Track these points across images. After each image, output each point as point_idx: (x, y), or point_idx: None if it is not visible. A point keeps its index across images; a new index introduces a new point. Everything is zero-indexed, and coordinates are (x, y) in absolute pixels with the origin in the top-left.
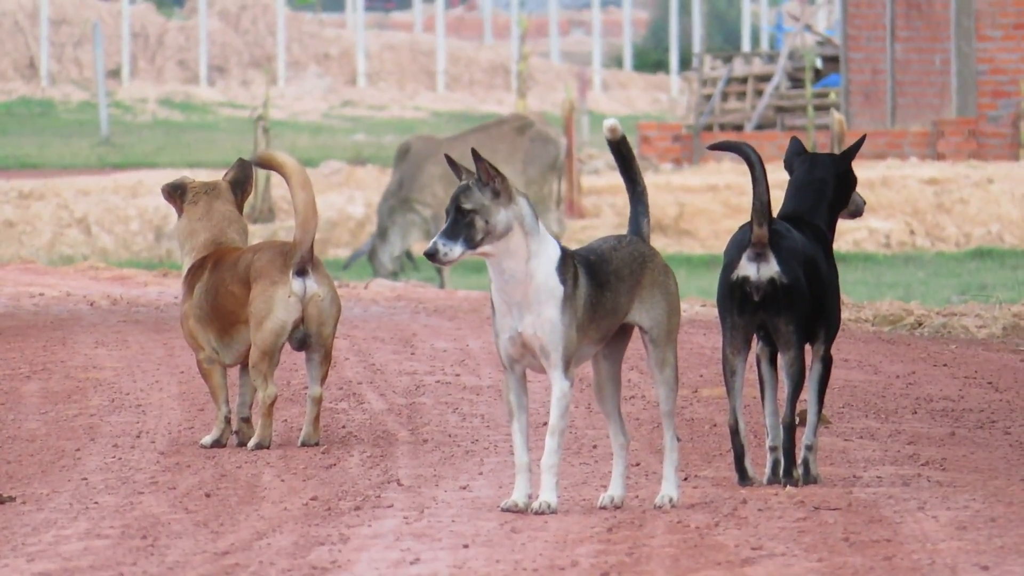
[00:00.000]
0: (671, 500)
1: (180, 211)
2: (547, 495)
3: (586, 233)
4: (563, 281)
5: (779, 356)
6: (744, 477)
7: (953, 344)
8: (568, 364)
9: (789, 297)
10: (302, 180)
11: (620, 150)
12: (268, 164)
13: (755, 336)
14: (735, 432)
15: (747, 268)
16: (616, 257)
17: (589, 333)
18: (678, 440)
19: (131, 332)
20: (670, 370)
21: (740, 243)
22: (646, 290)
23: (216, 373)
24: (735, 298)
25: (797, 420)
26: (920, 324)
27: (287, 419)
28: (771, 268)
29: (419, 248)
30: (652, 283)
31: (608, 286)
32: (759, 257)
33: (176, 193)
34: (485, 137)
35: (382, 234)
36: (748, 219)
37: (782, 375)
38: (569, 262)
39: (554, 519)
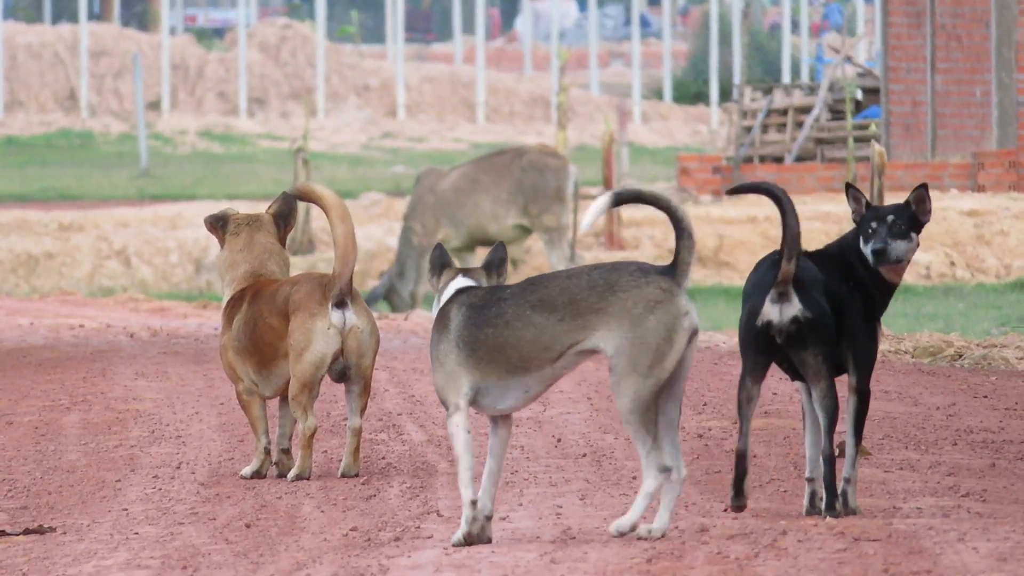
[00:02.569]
0: (649, 532)
1: (222, 242)
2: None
3: None
4: (435, 326)
5: (811, 390)
6: (739, 496)
7: (993, 376)
8: (443, 401)
9: (814, 331)
10: (341, 213)
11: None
12: (307, 196)
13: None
14: (741, 456)
15: (771, 312)
16: (554, 286)
17: (482, 368)
18: (671, 472)
19: (171, 363)
20: (627, 401)
21: (761, 284)
22: (612, 319)
23: (255, 405)
24: (759, 340)
25: (837, 452)
26: (960, 356)
27: (327, 450)
28: (794, 307)
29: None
30: (621, 312)
31: (500, 320)
32: (782, 297)
33: (219, 224)
34: (486, 167)
35: (399, 270)
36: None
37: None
38: (448, 306)
39: (593, 550)
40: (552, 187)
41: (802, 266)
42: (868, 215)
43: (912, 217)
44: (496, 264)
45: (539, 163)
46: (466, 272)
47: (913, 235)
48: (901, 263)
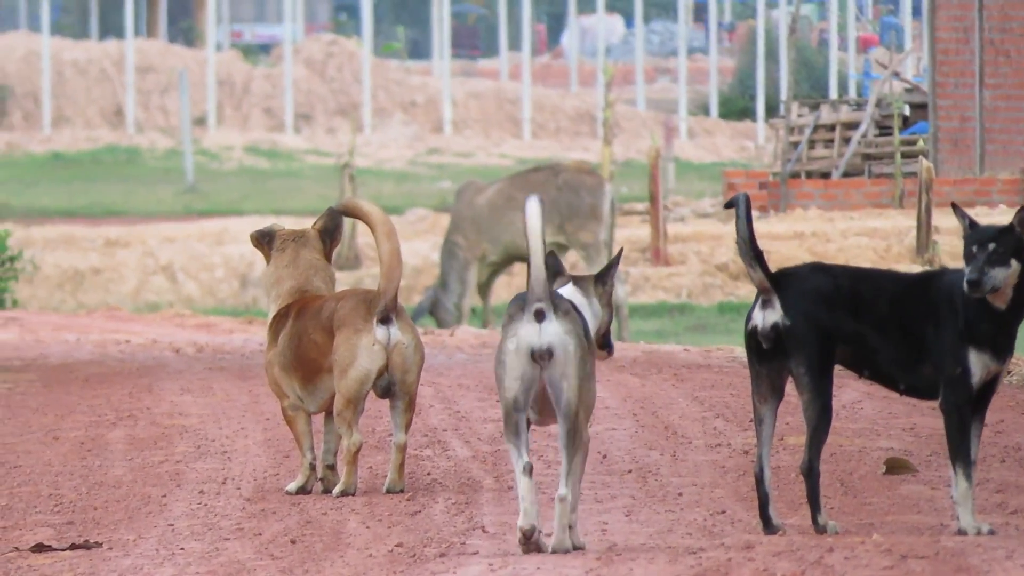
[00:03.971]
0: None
1: (268, 258)
2: None
3: (672, 280)
4: None
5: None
6: (768, 525)
7: None
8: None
9: (792, 340)
10: (387, 229)
11: None
12: (353, 213)
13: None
14: (759, 480)
15: (756, 317)
16: None
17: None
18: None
19: (216, 379)
20: None
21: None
22: None
23: (300, 420)
24: (749, 345)
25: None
26: (1008, 372)
27: (372, 466)
28: (775, 314)
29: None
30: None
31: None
32: (765, 304)
33: (264, 240)
34: (521, 184)
35: (443, 284)
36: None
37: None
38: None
39: (639, 566)
40: (587, 204)
41: (799, 275)
42: (970, 237)
43: (1018, 240)
44: (604, 272)
45: (574, 181)
46: (576, 280)
47: (1014, 261)
48: (999, 291)
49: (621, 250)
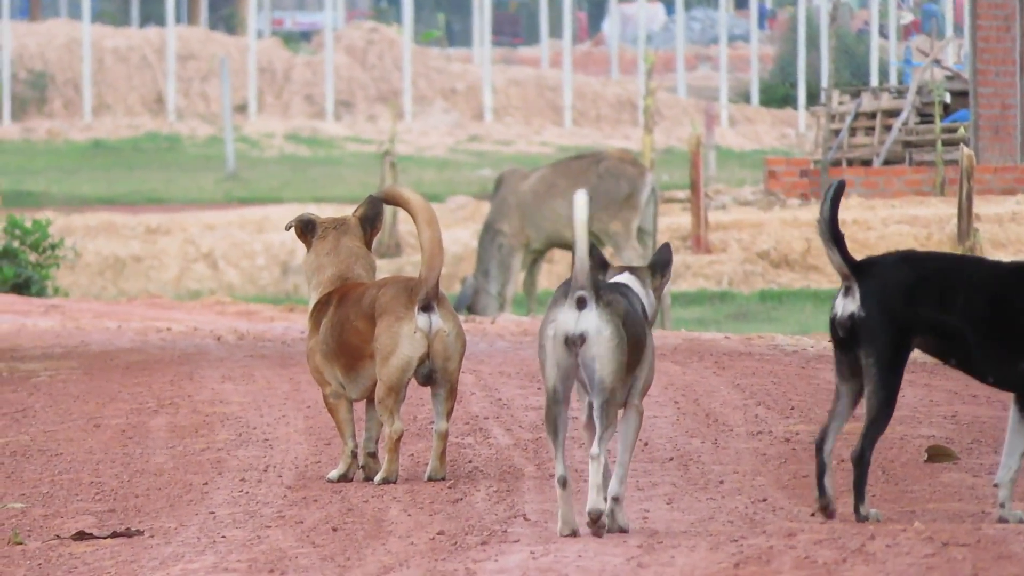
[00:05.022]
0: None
1: (308, 246)
2: None
3: (713, 268)
4: None
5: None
6: (823, 494)
7: None
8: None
9: (864, 331)
10: (428, 217)
11: None
12: (394, 200)
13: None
14: (819, 449)
15: (836, 305)
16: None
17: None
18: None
19: (257, 367)
20: None
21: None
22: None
23: (342, 408)
24: (833, 333)
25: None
26: None
27: (413, 454)
28: (852, 303)
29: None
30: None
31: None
32: (846, 292)
33: (305, 228)
34: (563, 171)
35: (484, 272)
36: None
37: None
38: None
39: (680, 554)
40: (624, 193)
41: (882, 264)
42: None
43: None
44: (661, 265)
45: (616, 169)
46: (632, 270)
47: None
48: None
49: (668, 245)
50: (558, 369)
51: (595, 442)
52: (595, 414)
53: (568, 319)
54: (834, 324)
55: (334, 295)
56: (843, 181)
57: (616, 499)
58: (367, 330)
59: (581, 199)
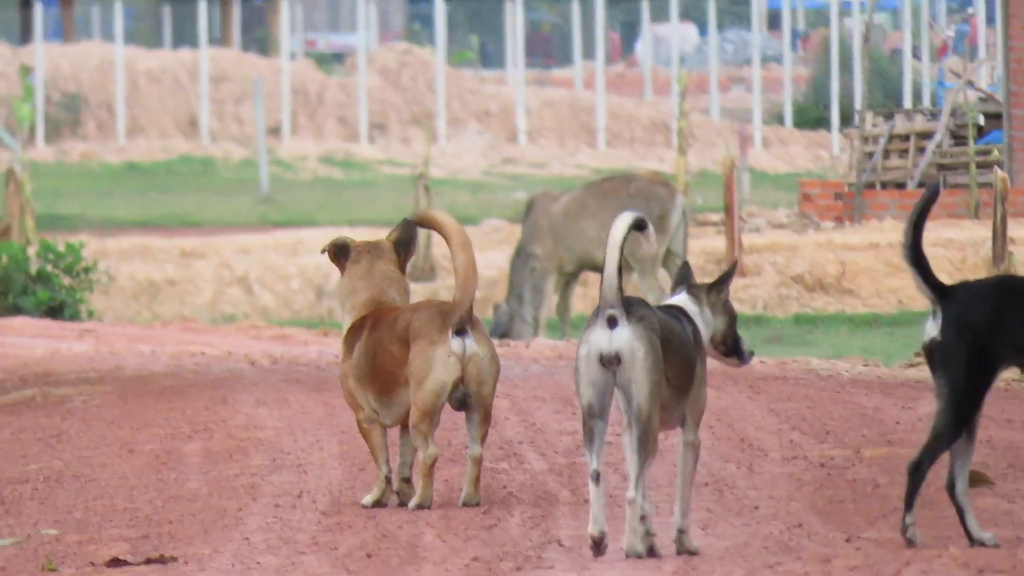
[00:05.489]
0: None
1: (342, 270)
2: None
3: (747, 292)
4: None
5: None
6: (970, 536)
7: None
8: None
9: (940, 355)
10: (462, 240)
11: None
12: (428, 223)
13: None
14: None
15: (926, 328)
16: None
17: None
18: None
19: (292, 391)
20: None
21: None
22: None
23: (376, 433)
24: (926, 358)
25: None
26: None
27: (447, 479)
28: (935, 328)
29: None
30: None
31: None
32: (933, 315)
33: (339, 252)
34: (594, 192)
35: (517, 296)
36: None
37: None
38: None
39: None
40: (655, 215)
41: (969, 289)
42: None
43: None
44: (721, 280)
45: (646, 190)
46: (690, 288)
47: None
48: None
49: (735, 263)
50: (593, 387)
51: (631, 484)
52: (633, 445)
53: (601, 338)
54: (924, 349)
55: (368, 319)
56: (928, 199)
57: (681, 531)
58: (401, 354)
59: (624, 217)
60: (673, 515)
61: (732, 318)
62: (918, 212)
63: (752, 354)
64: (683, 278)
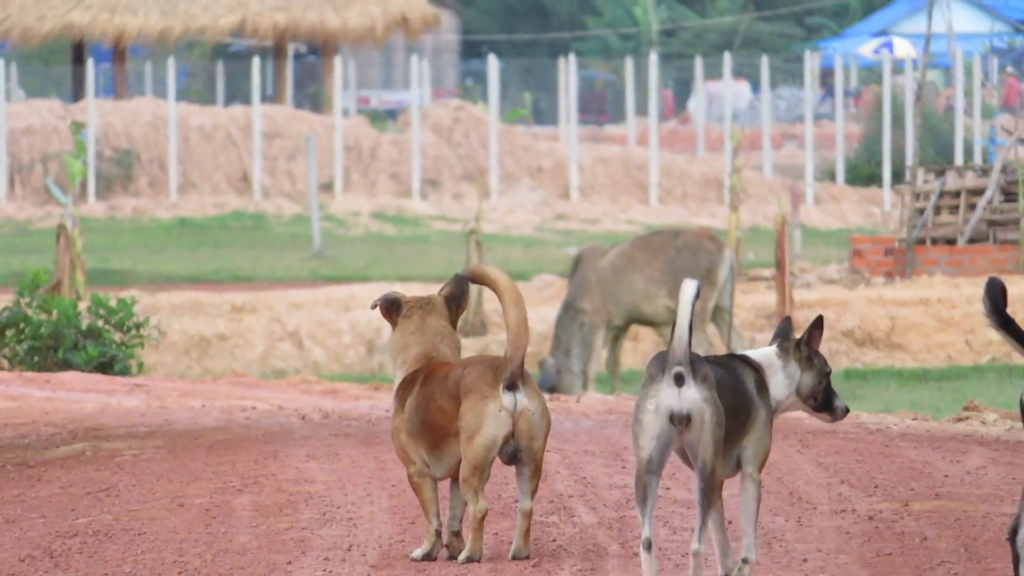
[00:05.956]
0: None
1: (394, 325)
2: None
3: None
4: None
5: None
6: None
7: None
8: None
9: None
10: (514, 296)
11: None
12: (480, 279)
13: None
14: (1012, 539)
15: None
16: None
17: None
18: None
19: (342, 445)
20: None
21: None
22: None
23: (427, 487)
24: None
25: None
26: None
27: (497, 532)
28: None
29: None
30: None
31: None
32: None
33: (391, 308)
34: (642, 245)
35: (565, 351)
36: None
37: None
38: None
39: None
40: (703, 269)
41: None
42: None
43: None
44: (805, 339)
45: (694, 244)
46: (780, 343)
47: None
48: None
49: (821, 317)
50: (657, 442)
51: (695, 536)
52: (697, 498)
53: (671, 396)
54: (1020, 404)
55: (419, 373)
56: (996, 282)
57: (746, 560)
58: (452, 409)
59: (692, 283)
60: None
61: (821, 373)
62: (990, 299)
63: (847, 411)
64: (780, 332)
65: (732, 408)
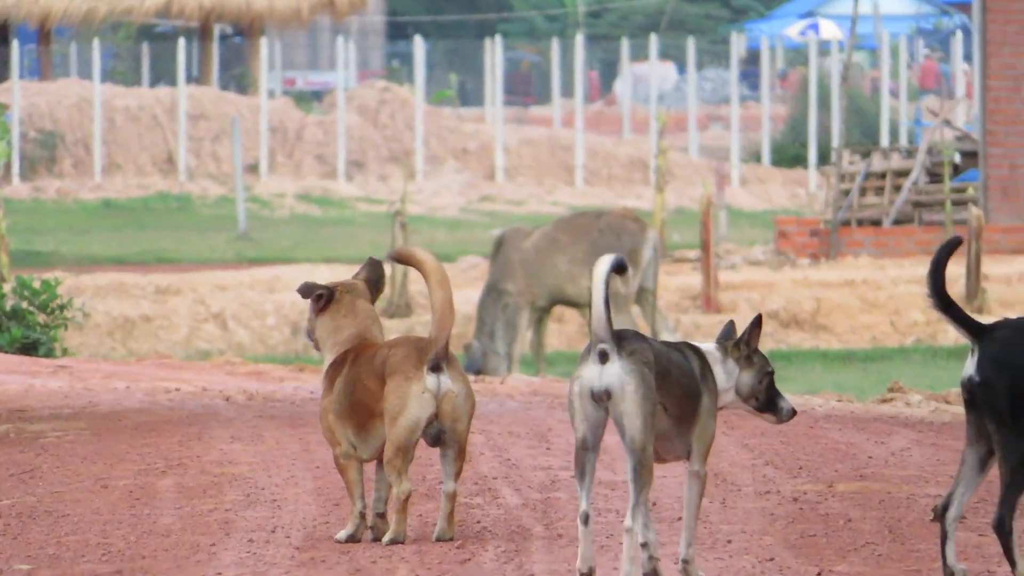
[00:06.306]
0: None
1: (320, 312)
2: None
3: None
4: None
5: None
6: (944, 563)
7: None
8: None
9: (983, 395)
10: (440, 278)
11: None
12: (406, 260)
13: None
14: (941, 515)
15: (966, 366)
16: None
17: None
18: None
19: (267, 427)
20: None
21: None
22: None
23: (352, 469)
24: (962, 393)
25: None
26: None
27: (422, 514)
28: (970, 366)
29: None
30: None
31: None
32: (971, 353)
33: (323, 297)
34: (565, 227)
35: (489, 333)
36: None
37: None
38: None
39: None
40: (626, 250)
41: (1006, 327)
42: None
43: None
44: (742, 337)
45: (617, 225)
46: (722, 339)
47: None
48: None
49: (760, 316)
50: (587, 422)
51: (628, 513)
52: (629, 476)
53: (592, 373)
54: (961, 387)
55: (349, 354)
56: (947, 248)
57: (687, 561)
58: (378, 390)
59: (608, 257)
60: (687, 548)
61: (762, 373)
62: (937, 261)
63: (793, 412)
64: (724, 334)
65: (685, 391)
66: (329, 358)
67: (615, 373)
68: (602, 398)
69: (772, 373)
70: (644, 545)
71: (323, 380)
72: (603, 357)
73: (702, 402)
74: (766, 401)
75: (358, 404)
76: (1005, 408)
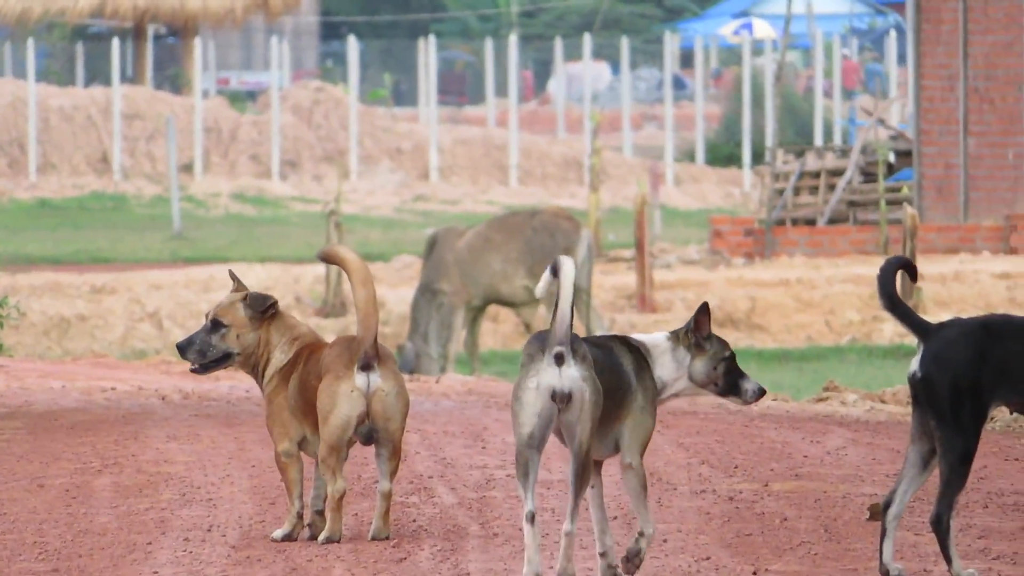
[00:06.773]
0: None
1: (259, 321)
2: None
3: (657, 327)
4: None
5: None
6: (880, 559)
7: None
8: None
9: (924, 391)
10: (363, 276)
11: None
12: (331, 259)
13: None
14: (883, 511)
15: (912, 362)
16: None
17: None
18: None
19: (202, 426)
20: None
21: None
22: None
23: (293, 468)
24: (910, 389)
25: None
26: (992, 419)
27: (358, 513)
28: (915, 363)
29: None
30: None
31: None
32: (918, 349)
33: (268, 304)
34: (498, 227)
35: (423, 334)
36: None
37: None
38: None
39: None
40: (561, 249)
41: (952, 326)
42: None
43: None
44: (692, 322)
45: (551, 224)
46: (673, 331)
47: None
48: None
49: (706, 304)
50: (539, 419)
51: (568, 517)
52: (570, 478)
53: (552, 375)
54: (908, 382)
55: (304, 352)
56: (894, 261)
57: (642, 534)
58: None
59: (569, 261)
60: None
61: (717, 358)
62: (881, 282)
63: (760, 392)
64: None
65: (607, 388)
66: (281, 358)
67: (575, 377)
68: (564, 400)
69: (730, 357)
70: (603, 554)
71: (272, 378)
72: (559, 359)
73: (630, 398)
74: (728, 385)
75: (308, 402)
76: (946, 405)
